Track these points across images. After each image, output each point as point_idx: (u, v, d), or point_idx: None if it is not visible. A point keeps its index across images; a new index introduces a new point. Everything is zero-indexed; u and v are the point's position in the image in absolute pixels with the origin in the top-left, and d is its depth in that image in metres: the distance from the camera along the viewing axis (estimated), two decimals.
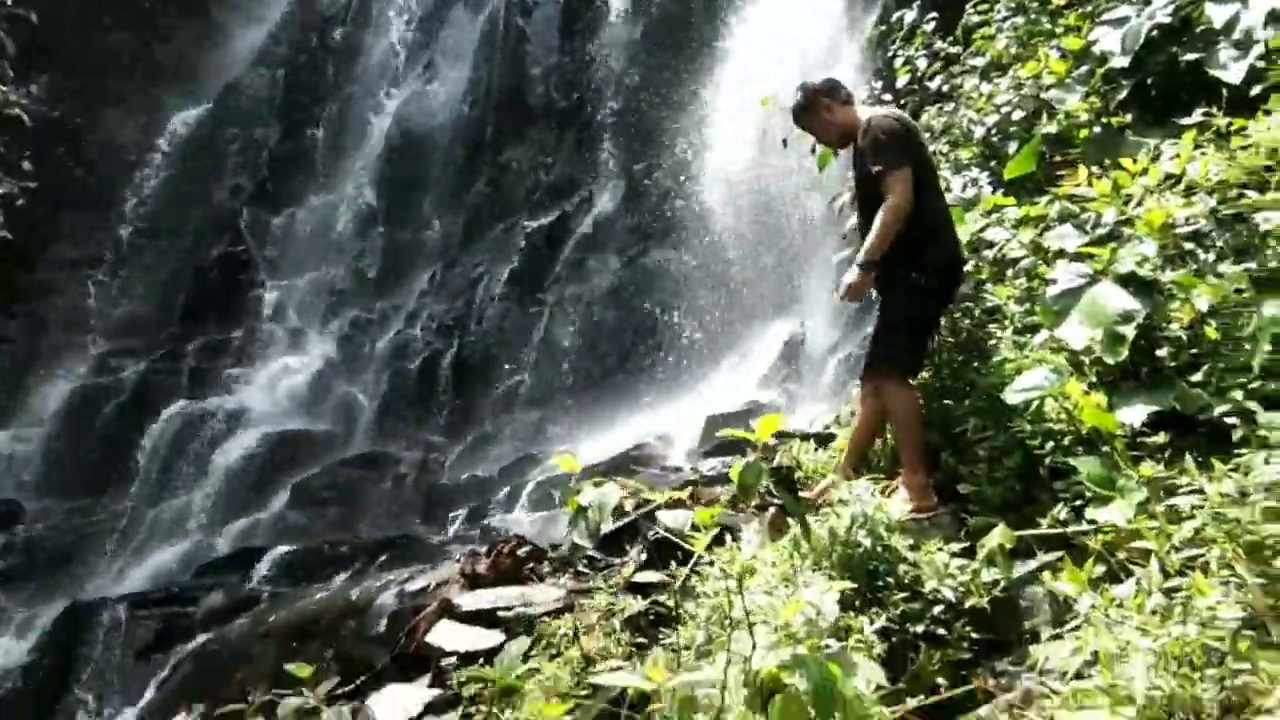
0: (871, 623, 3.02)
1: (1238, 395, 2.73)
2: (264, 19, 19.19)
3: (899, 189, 3.98)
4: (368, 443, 13.35)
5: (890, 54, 7.10)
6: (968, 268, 4.81)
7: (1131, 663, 1.96)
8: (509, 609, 5.01)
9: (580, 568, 6.47)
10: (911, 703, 2.46)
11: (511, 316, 13.88)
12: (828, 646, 1.93)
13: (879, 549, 3.17)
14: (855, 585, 3.11)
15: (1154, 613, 2.15)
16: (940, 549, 3.24)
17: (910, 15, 6.30)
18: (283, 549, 10.35)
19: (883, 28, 7.83)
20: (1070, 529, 3.11)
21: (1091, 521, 2.97)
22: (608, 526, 2.35)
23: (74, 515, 13.06)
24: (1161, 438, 3.23)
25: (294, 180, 17.38)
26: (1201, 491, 2.48)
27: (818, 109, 4.53)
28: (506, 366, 13.41)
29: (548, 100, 16.13)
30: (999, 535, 3.18)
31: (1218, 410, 2.77)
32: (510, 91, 16.35)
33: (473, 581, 5.43)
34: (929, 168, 4.26)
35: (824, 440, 5.65)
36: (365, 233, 16.36)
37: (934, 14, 6.31)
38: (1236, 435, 2.66)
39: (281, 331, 15.50)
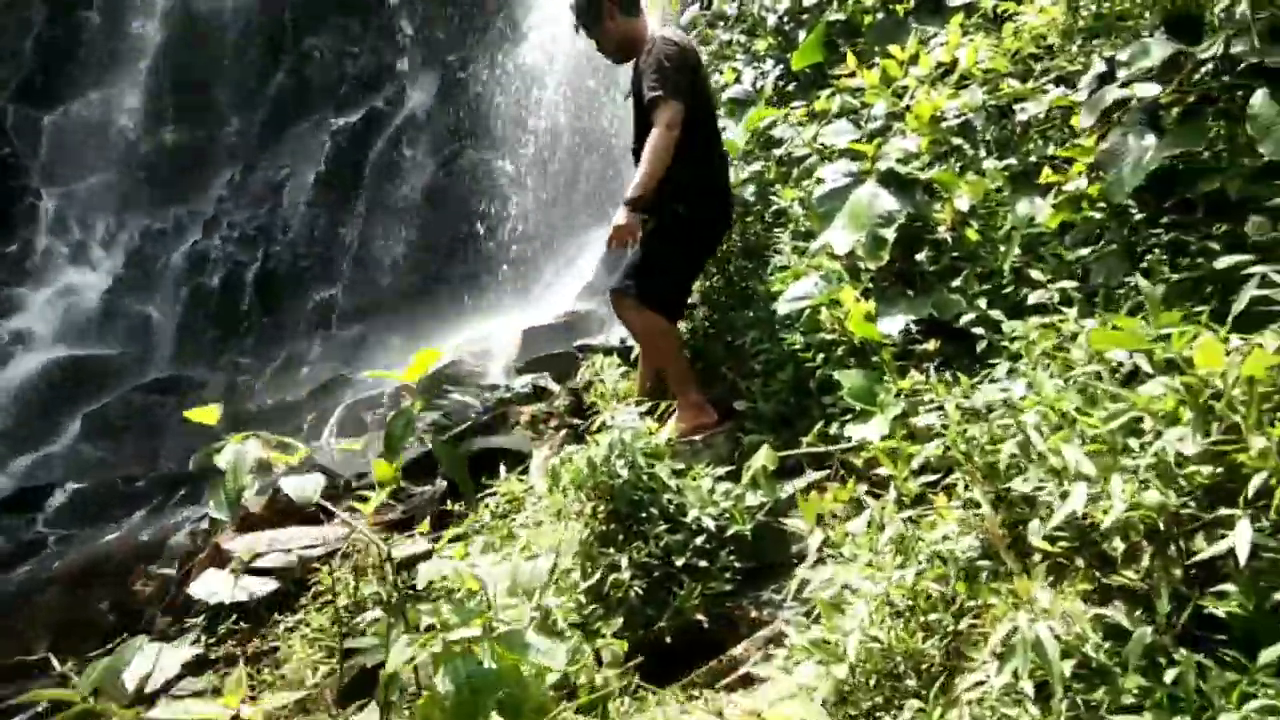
0: (631, 558, 2.83)
1: (983, 301, 2.60)
2: None
3: (670, 117, 3.62)
4: (167, 366, 12.34)
5: None
6: (756, 166, 4.60)
7: (850, 612, 1.81)
8: (287, 551, 4.64)
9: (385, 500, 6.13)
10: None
11: (320, 224, 12.96)
12: (499, 626, 1.67)
13: (639, 478, 2.95)
14: (609, 519, 2.91)
15: (886, 550, 2.00)
16: (705, 474, 3.05)
17: None
18: (72, 486, 9.57)
19: None
20: (833, 447, 2.97)
21: (848, 439, 2.83)
22: (250, 492, 2.01)
23: None
24: (932, 345, 3.12)
25: (66, 71, 15.43)
26: (942, 408, 2.34)
27: (599, 13, 4.08)
28: (318, 278, 12.58)
29: None
30: (763, 456, 3.02)
31: (964, 319, 2.64)
32: None
33: (245, 525, 4.99)
34: (708, 104, 3.96)
35: (631, 355, 5.43)
36: (152, 131, 14.77)
37: None
38: (981, 346, 2.53)
39: (63, 245, 13.97)
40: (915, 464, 2.24)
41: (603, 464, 2.93)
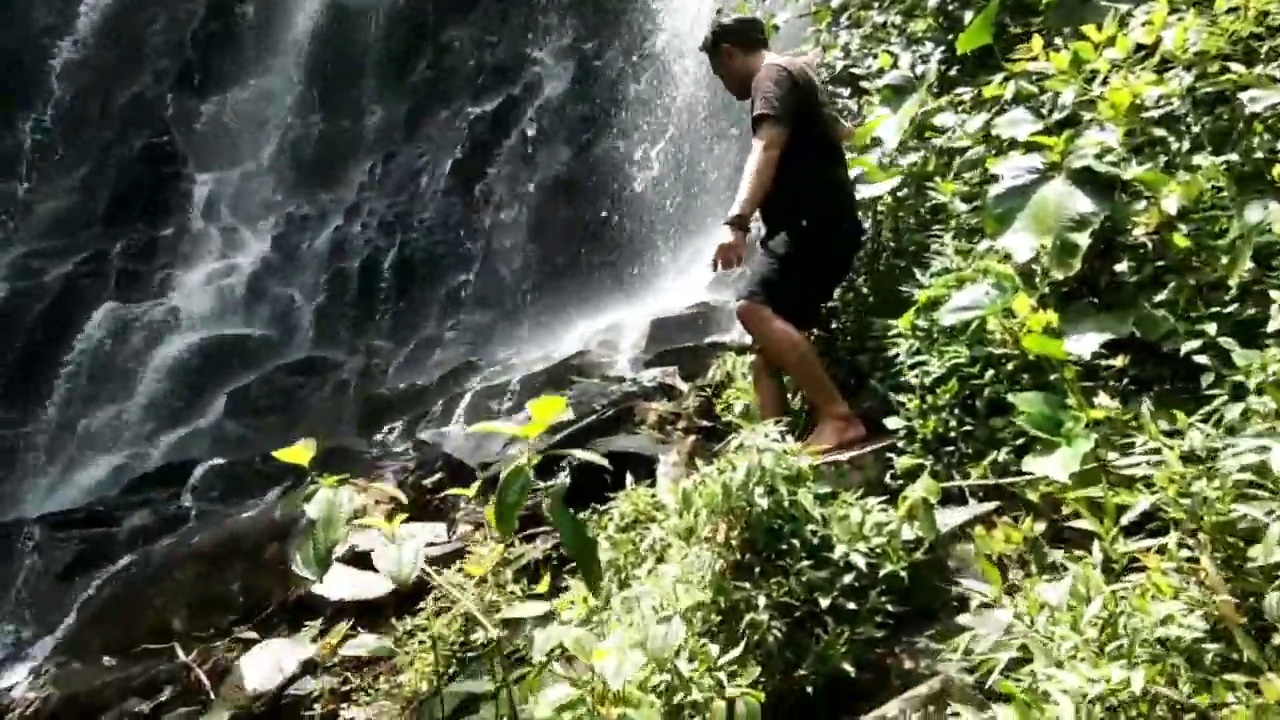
0: (770, 596, 2.56)
1: (1209, 325, 2.20)
2: None
3: (770, 138, 3.67)
4: (307, 347, 12.72)
5: None
6: (913, 158, 4.23)
7: (1050, 712, 1.49)
8: None
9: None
10: None
11: (456, 211, 13.10)
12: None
13: (780, 506, 2.67)
14: (744, 547, 2.65)
15: (1093, 626, 1.67)
16: (854, 503, 2.75)
17: None
18: (213, 463, 9.92)
19: None
20: (1006, 480, 2.62)
21: (1028, 473, 2.47)
22: (341, 548, 1.81)
23: (3, 428, 12.46)
24: (1120, 361, 2.73)
25: (222, 63, 16.13)
26: (1158, 451, 1.97)
27: (720, 54, 4.26)
28: (452, 265, 12.71)
29: None
30: (922, 485, 2.69)
31: (1186, 346, 2.24)
32: None
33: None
34: (822, 123, 3.93)
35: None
36: (300, 121, 15.29)
37: None
38: (1207, 379, 2.14)
39: (214, 229, 14.61)
40: (1125, 519, 1.88)
41: (739, 489, 2.66)
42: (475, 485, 3.58)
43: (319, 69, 15.47)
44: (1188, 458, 1.93)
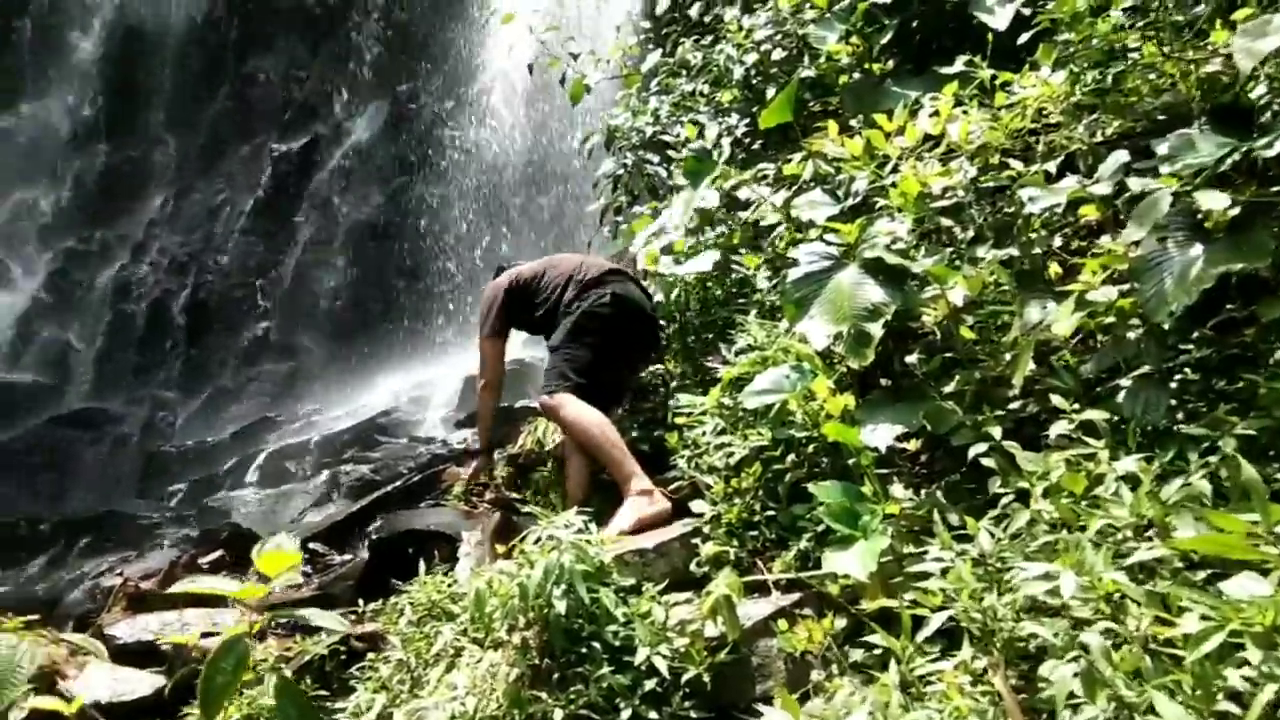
0: (567, 708, 2.39)
1: (995, 427, 2.23)
2: None
3: (483, 357, 4.35)
4: (84, 397, 11.59)
5: None
6: (721, 230, 4.23)
7: None
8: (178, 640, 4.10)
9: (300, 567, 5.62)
10: None
11: (256, 254, 12.35)
12: None
13: (580, 606, 2.52)
14: (542, 652, 2.49)
15: None
16: (657, 600, 2.63)
17: None
18: None
19: None
20: (807, 574, 2.58)
21: (828, 569, 2.44)
22: (21, 702, 1.53)
23: None
24: (913, 446, 2.77)
25: None
26: (940, 559, 1.97)
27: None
28: (251, 311, 11.95)
29: (300, 2, 14.30)
30: (725, 581, 2.61)
31: (974, 450, 2.27)
32: None
33: (137, 604, 4.44)
34: (531, 288, 4.29)
35: None
36: (83, 148, 14.04)
37: None
38: (995, 484, 2.17)
39: None
40: (920, 636, 1.85)
41: (537, 589, 2.49)
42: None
43: (106, 93, 14.32)
44: (978, 562, 1.93)
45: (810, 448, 2.96)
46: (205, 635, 4.33)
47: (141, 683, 3.97)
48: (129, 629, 4.21)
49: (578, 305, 4.06)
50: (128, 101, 14.44)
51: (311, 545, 5.77)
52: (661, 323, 4.20)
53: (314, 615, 1.86)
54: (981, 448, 2.21)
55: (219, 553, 4.98)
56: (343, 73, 13.82)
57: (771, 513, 3.01)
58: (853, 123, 3.84)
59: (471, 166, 12.03)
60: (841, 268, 2.71)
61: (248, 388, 11.17)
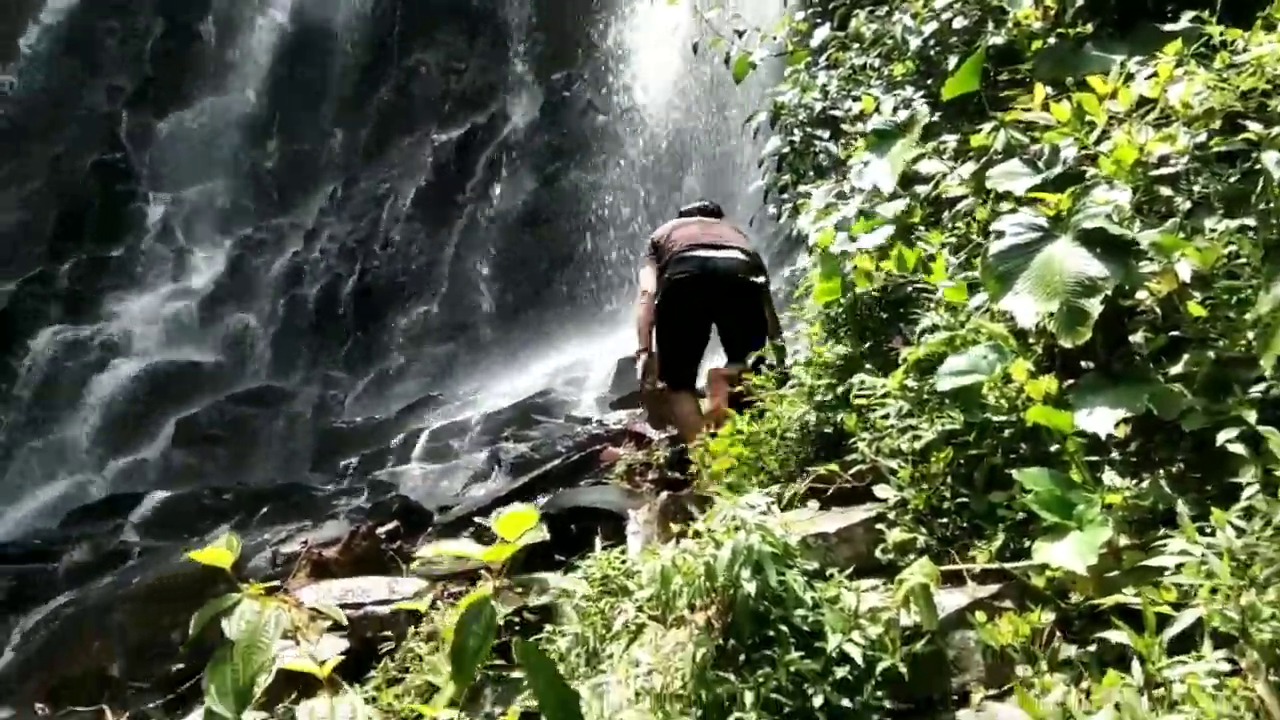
0: (757, 692, 2.33)
1: (1248, 410, 2.03)
2: None
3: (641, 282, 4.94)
4: (261, 376, 12.34)
5: None
6: (899, 205, 4.06)
7: None
8: (358, 606, 4.28)
9: (465, 540, 5.78)
10: None
11: (419, 239, 12.82)
12: None
13: (767, 589, 2.45)
14: (727, 633, 2.44)
15: None
16: (847, 585, 2.54)
17: None
18: (160, 495, 9.54)
19: None
20: (1012, 565, 2.42)
21: (1039, 561, 2.28)
22: (263, 681, 1.55)
23: None
24: (1120, 432, 2.56)
25: (180, 80, 15.73)
26: (1187, 551, 1.80)
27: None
28: (414, 294, 12.42)
29: None
30: (921, 570, 2.49)
31: (1223, 435, 2.07)
32: None
33: (320, 571, 4.65)
34: (663, 249, 4.97)
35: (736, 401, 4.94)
36: (259, 141, 14.92)
37: None
38: (1245, 472, 1.97)
39: (167, 250, 14.17)
40: (1166, 634, 1.70)
41: (724, 570, 2.44)
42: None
43: (279, 90, 15.16)
44: (1230, 558, 1.75)
45: (1007, 433, 2.79)
46: (382, 602, 4.51)
47: (331, 648, 4.17)
48: (313, 594, 4.42)
49: (666, 279, 4.82)
50: (299, 96, 15.24)
51: (475, 519, 5.94)
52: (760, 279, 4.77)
53: (557, 581, 1.88)
54: (1231, 433, 2.01)
55: (394, 523, 5.17)
56: (499, 64, 14.15)
57: (963, 500, 2.86)
58: (1044, 89, 3.60)
59: (623, 149, 12.10)
60: (1052, 240, 2.52)
61: (411, 368, 11.63)
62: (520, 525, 1.65)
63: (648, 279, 4.88)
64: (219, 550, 1.69)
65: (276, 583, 5.58)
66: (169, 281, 13.83)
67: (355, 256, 13.09)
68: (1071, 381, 2.71)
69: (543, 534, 1.77)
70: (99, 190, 14.76)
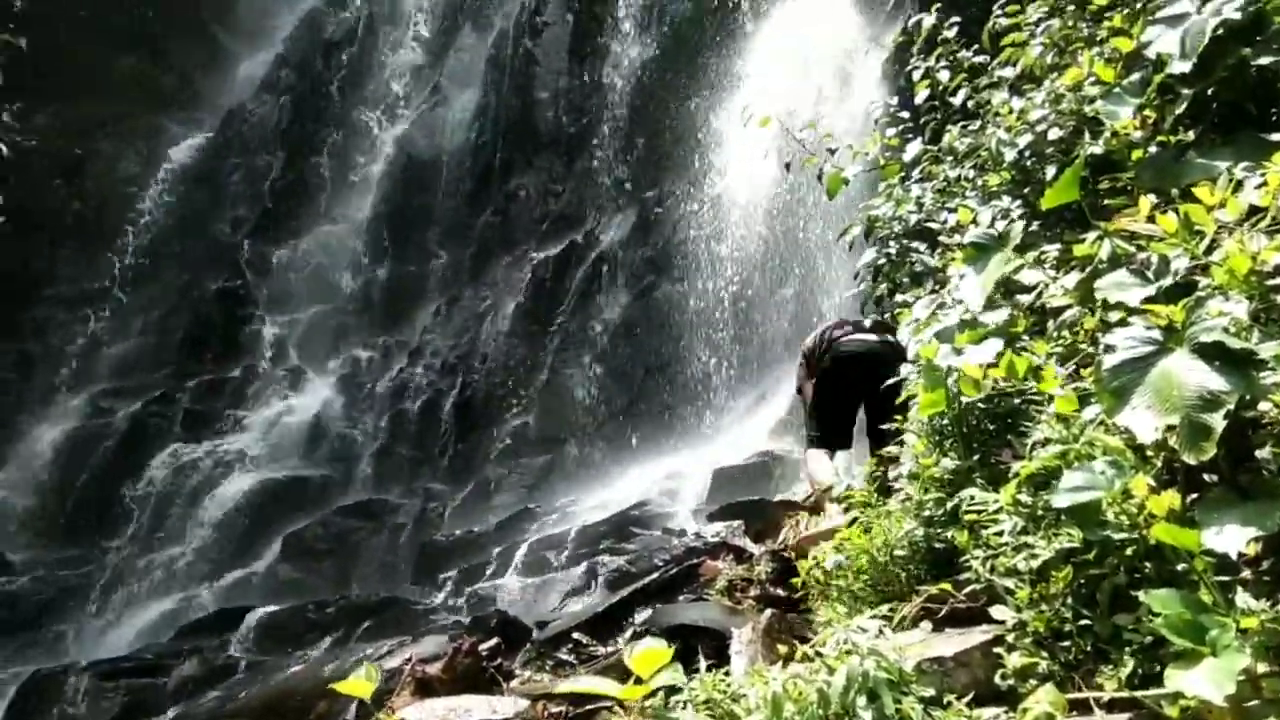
0: None
1: None
2: (270, 43, 18.71)
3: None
4: (366, 489, 12.67)
5: (910, 67, 6.32)
6: (1002, 314, 4.02)
7: None
8: None
9: (563, 656, 5.73)
10: None
11: (517, 354, 13.19)
12: None
13: (884, 718, 2.37)
14: None
15: None
16: (967, 713, 2.43)
17: (929, 20, 5.51)
18: (265, 610, 9.73)
19: (901, 39, 7.06)
20: (1143, 694, 2.29)
21: (1173, 689, 2.16)
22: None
23: (61, 566, 12.48)
24: (1251, 550, 2.43)
25: (297, 211, 16.83)
26: None
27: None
28: (511, 407, 12.69)
29: (557, 125, 15.50)
30: (1045, 699, 2.38)
31: None
32: (518, 116, 15.75)
33: (424, 689, 4.65)
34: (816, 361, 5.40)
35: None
36: (369, 265, 15.75)
37: (957, 19, 5.53)
38: None
39: (281, 371, 14.89)
40: None
41: (839, 697, 2.37)
42: None
43: (389, 216, 16.03)
44: None
45: (1129, 551, 2.68)
46: None
47: None
48: (417, 713, 4.41)
49: (818, 364, 5.32)
50: (407, 221, 16.07)
51: (574, 635, 5.88)
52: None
53: (686, 716, 1.87)
54: None
55: (495, 640, 5.16)
56: (594, 185, 14.71)
57: (1086, 622, 2.73)
58: (1149, 199, 3.57)
59: (714, 263, 12.32)
60: (1168, 353, 2.46)
61: (508, 479, 11.79)
62: (655, 662, 1.67)
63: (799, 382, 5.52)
64: (360, 682, 1.75)
65: (381, 704, 5.63)
66: (281, 400, 14.47)
67: (456, 371, 13.51)
68: (1195, 497, 2.61)
69: (679, 675, 1.77)
70: (220, 315, 15.72)
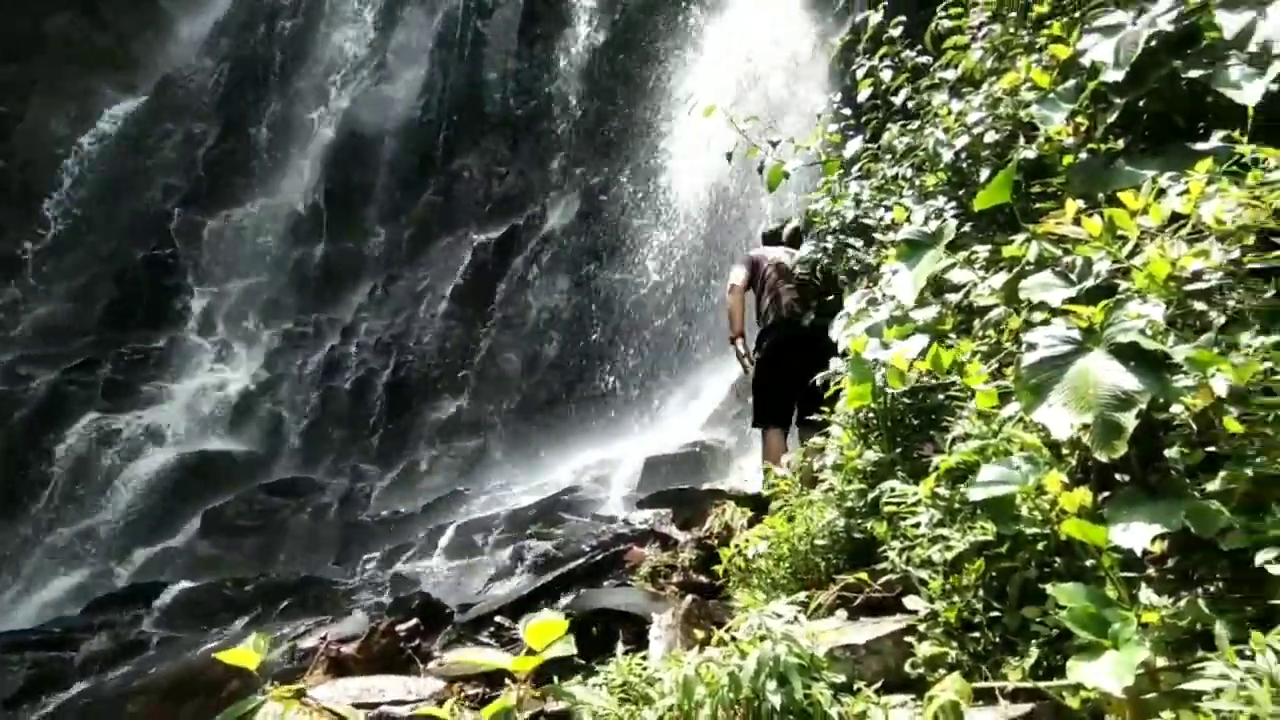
0: None
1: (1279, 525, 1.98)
2: (210, 7, 18.15)
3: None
4: (293, 467, 12.41)
5: (854, 66, 6.37)
6: (931, 311, 4.08)
7: None
8: (373, 706, 4.18)
9: (484, 639, 5.68)
10: None
11: (453, 336, 13.03)
12: None
13: (793, 702, 2.38)
14: None
15: None
16: (875, 700, 2.46)
17: (876, 17, 5.55)
18: (181, 586, 9.50)
19: (848, 37, 7.11)
20: (1046, 684, 2.34)
21: (1075, 680, 2.20)
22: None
23: None
24: (1157, 548, 2.49)
25: (231, 181, 16.37)
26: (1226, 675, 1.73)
27: None
28: (445, 389, 12.54)
29: (504, 107, 15.32)
30: (951, 687, 2.41)
31: (1262, 555, 2.02)
32: (465, 96, 15.53)
33: (338, 668, 4.57)
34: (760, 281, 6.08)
35: (765, 505, 4.89)
36: (305, 240, 15.40)
37: (903, 18, 5.58)
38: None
39: (208, 343, 14.50)
40: None
41: (749, 681, 2.37)
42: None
43: (327, 191, 15.69)
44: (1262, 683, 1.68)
45: (1040, 545, 2.73)
46: (398, 703, 4.42)
47: None
48: (329, 692, 4.32)
49: (758, 344, 5.95)
50: (346, 198, 15.75)
51: (496, 618, 5.84)
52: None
53: (579, 693, 1.84)
54: (1270, 554, 1.96)
55: (414, 621, 5.09)
56: (539, 168, 14.58)
57: (996, 614, 2.78)
58: (1081, 205, 3.64)
59: (655, 252, 12.32)
60: (1086, 353, 2.51)
61: (439, 461, 11.66)
62: (548, 634, 1.64)
63: (738, 274, 5.97)
64: (245, 651, 1.69)
65: (294, 683, 5.50)
66: (208, 372, 14.09)
67: (390, 351, 13.30)
68: (1106, 495, 2.66)
69: (570, 647, 1.74)
70: (148, 284, 15.23)
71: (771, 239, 6.49)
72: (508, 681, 1.79)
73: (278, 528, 11.11)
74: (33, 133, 16.55)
